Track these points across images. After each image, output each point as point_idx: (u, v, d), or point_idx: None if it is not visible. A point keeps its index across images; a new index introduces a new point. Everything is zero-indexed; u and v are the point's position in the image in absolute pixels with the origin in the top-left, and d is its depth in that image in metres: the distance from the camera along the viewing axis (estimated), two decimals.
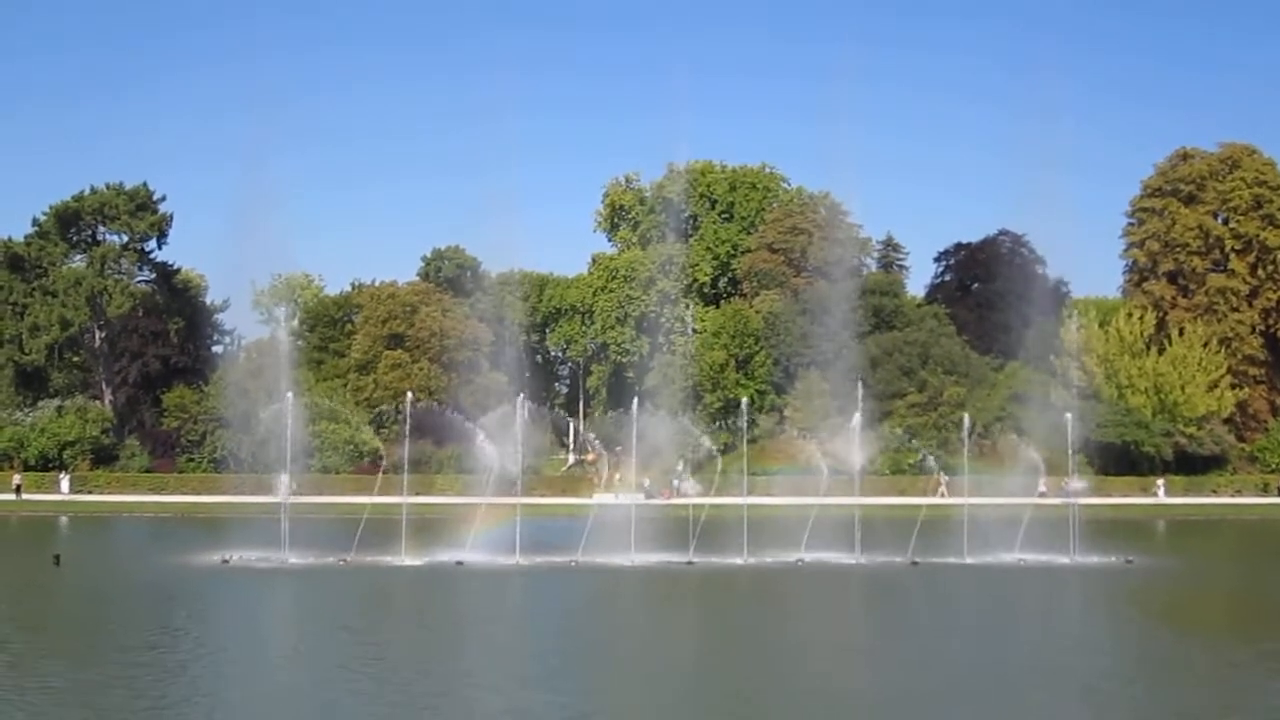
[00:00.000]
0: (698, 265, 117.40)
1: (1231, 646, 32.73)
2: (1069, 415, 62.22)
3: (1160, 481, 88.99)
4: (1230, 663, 30.07)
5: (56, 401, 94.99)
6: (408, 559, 49.70)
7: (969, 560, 51.18)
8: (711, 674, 28.80)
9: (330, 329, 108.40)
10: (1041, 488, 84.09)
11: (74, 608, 39.50)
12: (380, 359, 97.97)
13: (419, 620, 37.31)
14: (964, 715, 24.80)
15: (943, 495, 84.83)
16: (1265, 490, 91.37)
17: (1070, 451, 63.02)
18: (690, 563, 49.73)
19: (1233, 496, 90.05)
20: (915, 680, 27.84)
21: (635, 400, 64.14)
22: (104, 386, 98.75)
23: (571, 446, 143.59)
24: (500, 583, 45.20)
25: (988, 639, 34.45)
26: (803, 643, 33.18)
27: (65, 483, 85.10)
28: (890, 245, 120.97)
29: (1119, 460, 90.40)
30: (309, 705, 25.31)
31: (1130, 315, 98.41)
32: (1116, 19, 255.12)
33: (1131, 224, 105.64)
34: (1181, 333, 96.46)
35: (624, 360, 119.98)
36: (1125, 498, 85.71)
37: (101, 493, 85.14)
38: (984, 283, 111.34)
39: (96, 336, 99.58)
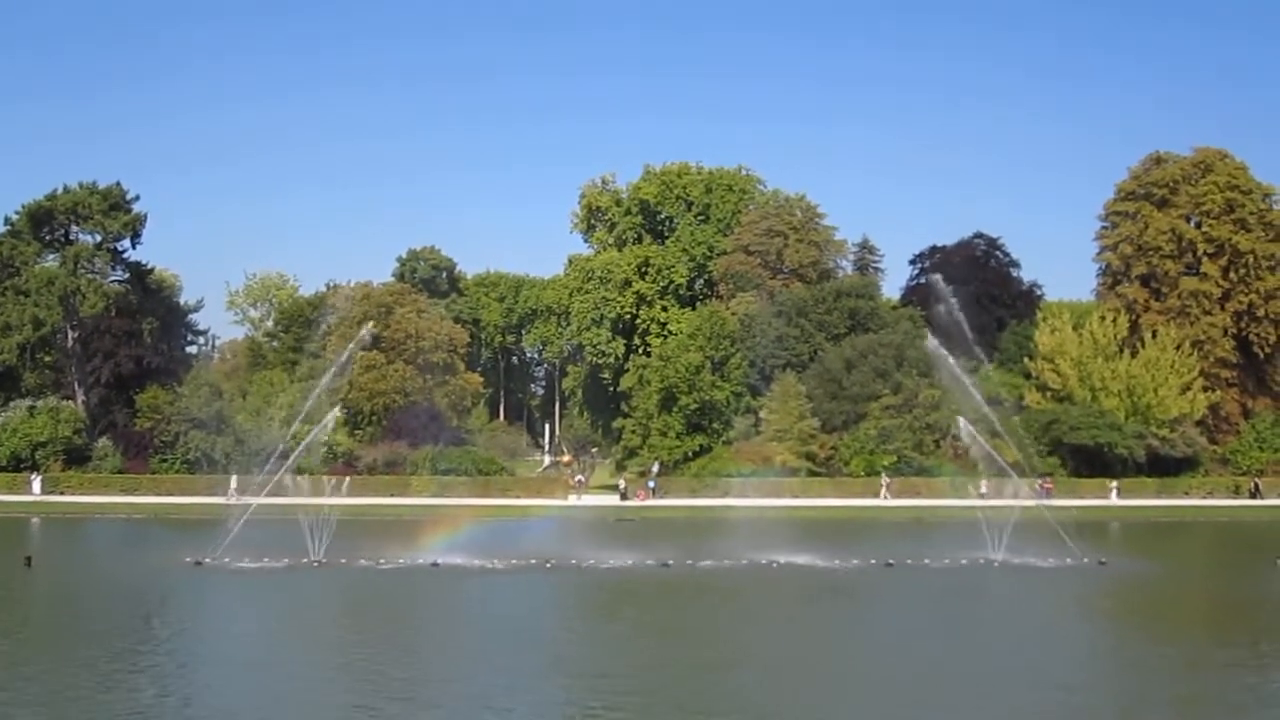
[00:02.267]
0: (674, 267, 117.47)
1: (1190, 647, 33.15)
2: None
3: (1114, 485, 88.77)
4: (1190, 662, 30.54)
5: (28, 402, 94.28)
6: (382, 560, 49.66)
7: (945, 562, 51.26)
8: (658, 680, 28.67)
9: (305, 329, 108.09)
10: (983, 489, 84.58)
11: (46, 610, 39.29)
12: (355, 360, 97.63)
13: (392, 621, 37.20)
14: (936, 710, 24.99)
15: (886, 497, 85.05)
16: (1236, 492, 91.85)
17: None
18: (666, 564, 49.72)
19: (1205, 498, 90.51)
20: (883, 684, 28.08)
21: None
22: (76, 387, 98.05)
23: (547, 448, 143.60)
24: (473, 583, 45.21)
25: (958, 640, 34.61)
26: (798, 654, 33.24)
27: (37, 484, 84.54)
28: (865, 247, 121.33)
29: (1091, 462, 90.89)
30: (279, 708, 25.23)
31: (1103, 318, 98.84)
32: (1093, 23, 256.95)
33: (1105, 227, 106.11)
34: (1154, 335, 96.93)
35: (600, 361, 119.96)
36: (1098, 500, 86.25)
37: (74, 494, 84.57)
38: (959, 285, 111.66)
39: (69, 336, 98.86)
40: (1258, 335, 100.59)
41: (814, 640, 34.74)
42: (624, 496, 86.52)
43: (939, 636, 34.95)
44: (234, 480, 77.95)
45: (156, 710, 24.73)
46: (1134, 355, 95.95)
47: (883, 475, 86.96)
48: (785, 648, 32.79)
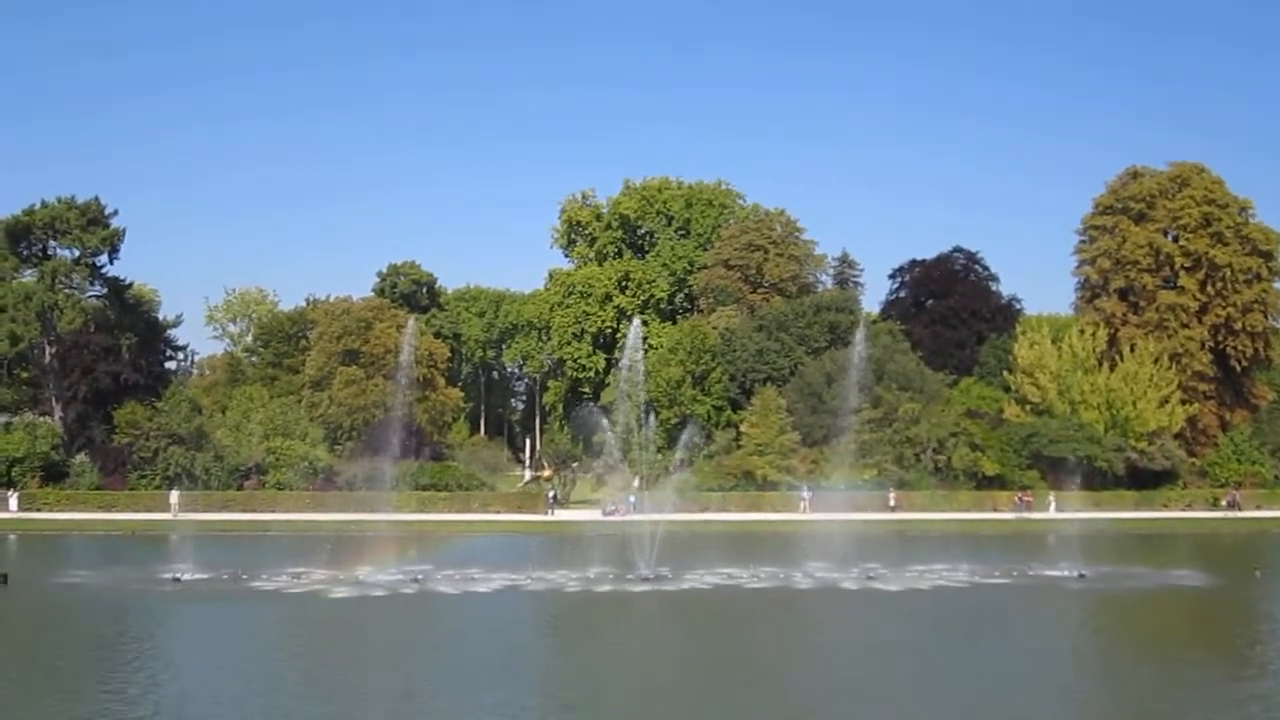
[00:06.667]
0: (654, 281, 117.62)
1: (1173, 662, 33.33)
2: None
3: (1051, 496, 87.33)
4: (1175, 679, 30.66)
5: (5, 418, 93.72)
6: (363, 576, 49.47)
7: (922, 576, 51.23)
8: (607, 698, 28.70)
9: (284, 345, 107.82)
10: (891, 501, 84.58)
11: (21, 628, 38.99)
12: (335, 375, 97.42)
13: (375, 643, 37.07)
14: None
15: (804, 509, 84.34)
16: (1214, 504, 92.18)
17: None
18: (646, 578, 49.68)
19: (1183, 511, 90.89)
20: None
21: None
22: (54, 403, 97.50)
23: (528, 463, 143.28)
24: (450, 602, 45.06)
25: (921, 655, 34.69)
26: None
27: (14, 500, 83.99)
28: (845, 261, 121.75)
29: (1071, 475, 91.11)
30: None
31: (1082, 332, 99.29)
32: (1072, 36, 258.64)
33: (1083, 241, 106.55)
34: (1133, 349, 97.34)
35: (580, 376, 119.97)
36: (1084, 514, 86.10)
37: (51, 510, 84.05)
38: (938, 299, 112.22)
39: (47, 352, 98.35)
40: (1234, 348, 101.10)
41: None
42: (607, 512, 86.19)
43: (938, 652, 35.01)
44: (174, 495, 77.43)
45: None
46: (1112, 369, 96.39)
47: (802, 489, 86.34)
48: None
